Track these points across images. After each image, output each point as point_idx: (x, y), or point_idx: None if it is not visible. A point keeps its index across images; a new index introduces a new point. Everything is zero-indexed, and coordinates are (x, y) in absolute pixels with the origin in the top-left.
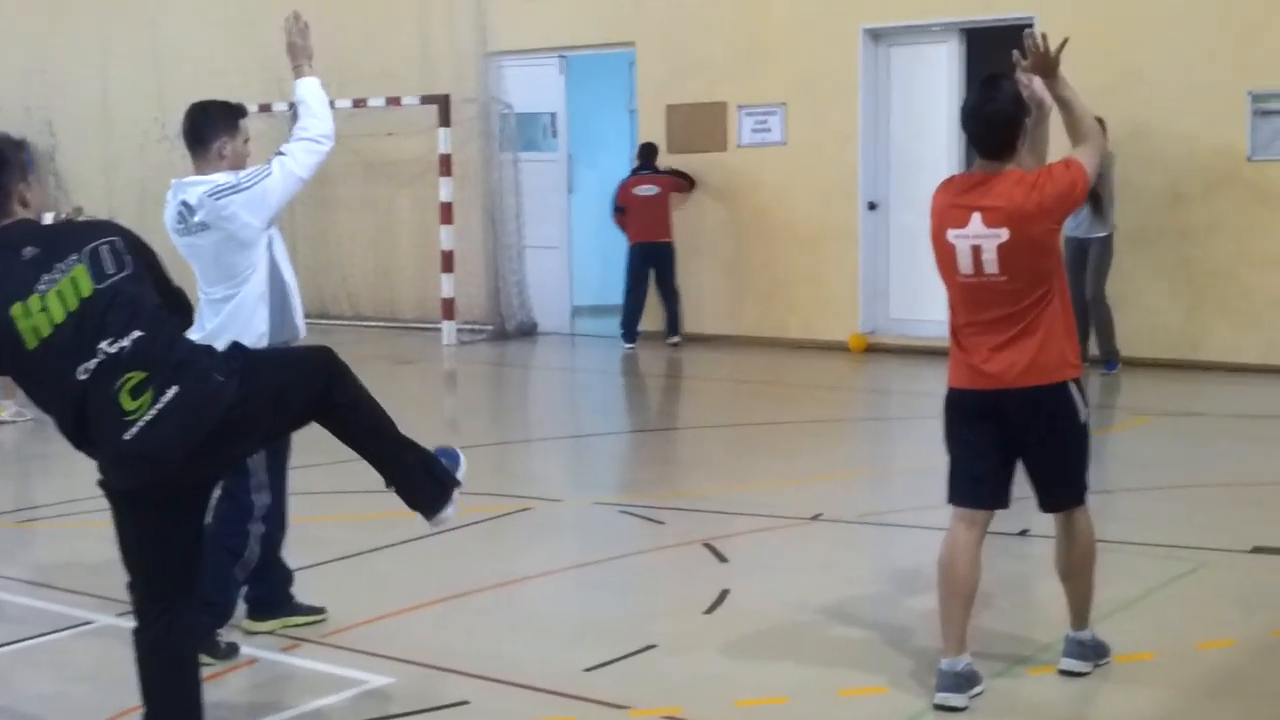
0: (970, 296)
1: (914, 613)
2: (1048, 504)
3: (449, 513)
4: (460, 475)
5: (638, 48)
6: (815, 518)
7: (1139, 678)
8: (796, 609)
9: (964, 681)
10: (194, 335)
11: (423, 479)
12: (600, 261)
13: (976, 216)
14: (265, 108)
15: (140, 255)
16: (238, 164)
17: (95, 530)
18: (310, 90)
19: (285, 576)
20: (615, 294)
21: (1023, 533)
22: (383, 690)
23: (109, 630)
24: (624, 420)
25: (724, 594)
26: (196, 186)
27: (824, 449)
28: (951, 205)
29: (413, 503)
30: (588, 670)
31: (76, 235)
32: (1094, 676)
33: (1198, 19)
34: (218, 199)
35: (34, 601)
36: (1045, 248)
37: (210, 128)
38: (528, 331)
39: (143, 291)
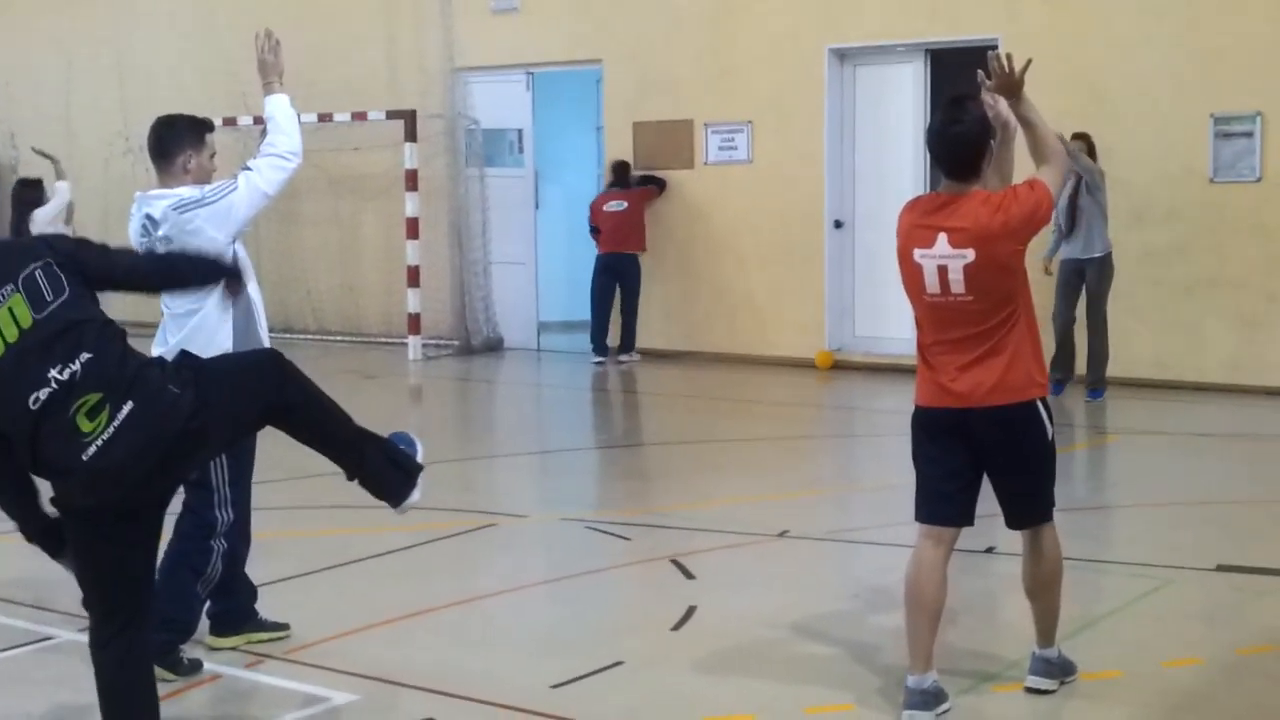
0: (937, 316)
1: (880, 630)
2: (1014, 521)
3: (415, 497)
4: (419, 458)
5: (605, 65)
6: (782, 534)
7: (1105, 696)
8: (763, 626)
9: (931, 699)
10: (157, 350)
11: (385, 468)
12: (566, 277)
13: (943, 237)
14: (230, 121)
15: (77, 266)
16: (203, 178)
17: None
18: (279, 107)
19: (249, 592)
20: (582, 309)
21: (989, 550)
22: (346, 707)
23: (70, 646)
24: (590, 436)
25: (691, 610)
26: (161, 200)
27: (791, 466)
28: (918, 225)
29: (379, 493)
30: (554, 687)
31: (7, 263)
32: (1060, 694)
33: (1162, 42)
34: (182, 212)
35: None
36: (1011, 268)
37: (175, 141)
38: (494, 347)
39: (85, 312)
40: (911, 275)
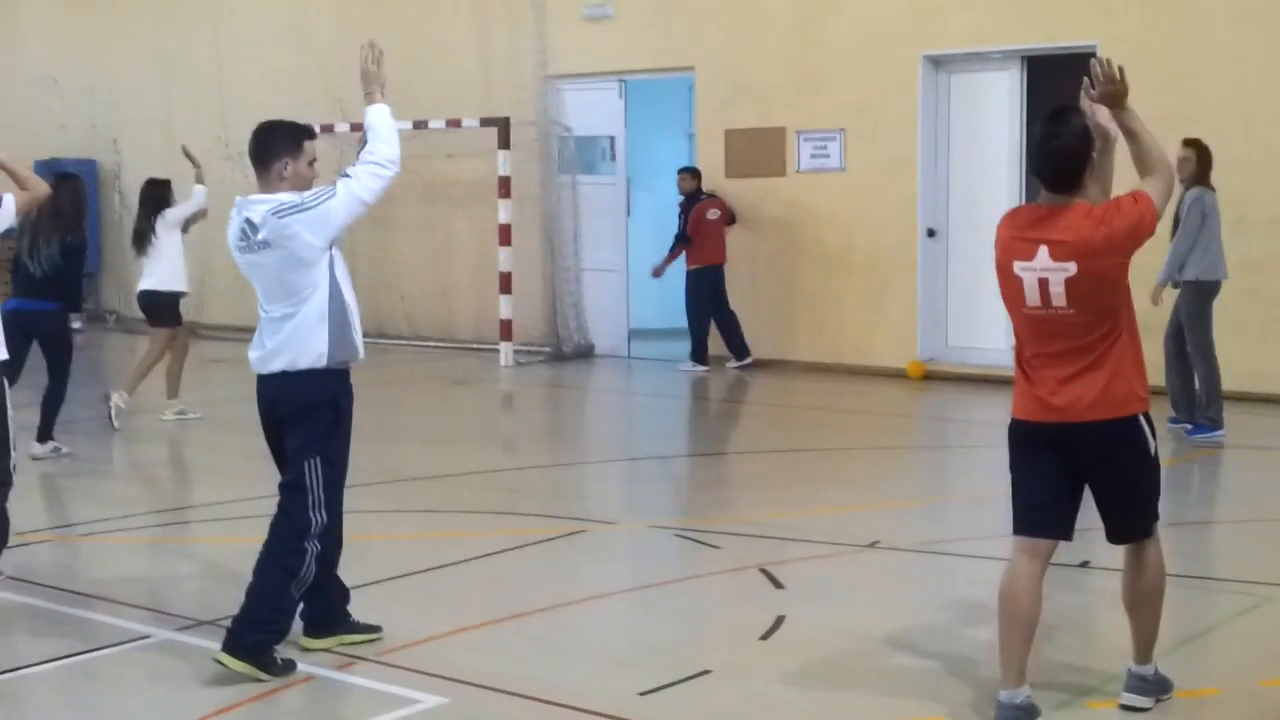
0: (1037, 328)
1: (972, 643)
2: (1116, 535)
3: None
4: None
5: (697, 72)
6: (872, 545)
7: (1201, 714)
8: (852, 637)
9: (1023, 714)
10: (253, 354)
11: None
12: (657, 285)
13: (1044, 250)
14: (327, 128)
15: None
16: (301, 185)
17: (152, 545)
18: (380, 116)
19: (342, 594)
20: (672, 317)
21: (1084, 564)
22: (436, 710)
23: (165, 645)
24: (680, 444)
25: (779, 620)
26: (260, 205)
27: (882, 476)
28: (1017, 238)
29: None
30: (641, 695)
31: None
32: (1156, 712)
33: (1260, 46)
34: (281, 217)
35: (92, 615)
36: (1113, 282)
37: (274, 147)
38: (584, 354)
39: None
40: (1011, 288)
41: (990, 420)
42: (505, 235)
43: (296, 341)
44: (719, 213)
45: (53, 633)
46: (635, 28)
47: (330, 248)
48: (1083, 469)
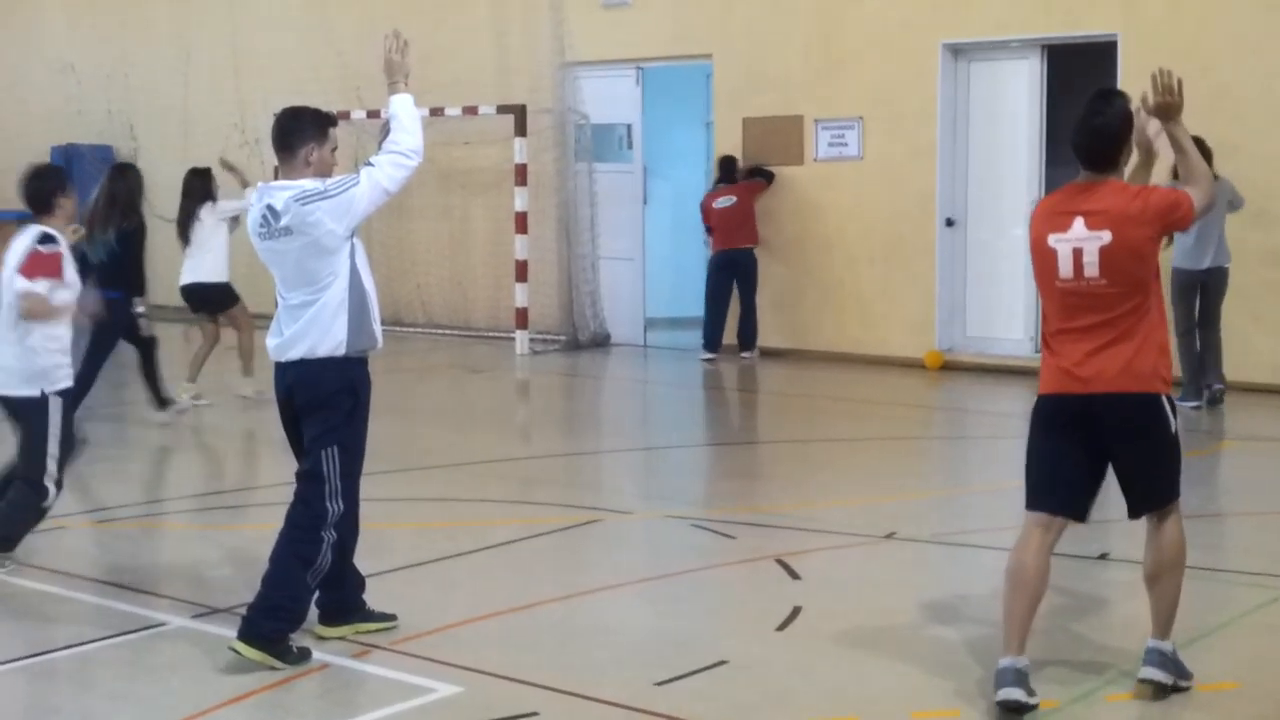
0: (1067, 302)
1: (988, 634)
2: (1135, 508)
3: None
4: None
5: (715, 60)
6: (889, 536)
7: (1222, 707)
8: (869, 627)
9: (1021, 678)
10: (271, 341)
11: None
12: (674, 273)
13: (1079, 220)
14: (344, 115)
15: None
16: (324, 171)
17: (170, 532)
18: (404, 106)
19: (358, 582)
20: (689, 306)
21: (1102, 556)
22: (451, 698)
23: (183, 632)
24: (696, 433)
25: (796, 611)
26: (283, 191)
27: (899, 467)
28: (1054, 212)
29: None
30: (657, 684)
31: None
32: (1176, 705)
33: None
34: (304, 204)
35: (109, 602)
36: (1144, 255)
37: (299, 134)
38: (601, 342)
39: None
40: (1045, 261)
41: (1008, 411)
42: (521, 223)
43: (315, 329)
44: (734, 199)
45: (70, 620)
46: (653, 15)
47: (351, 236)
48: (1105, 443)
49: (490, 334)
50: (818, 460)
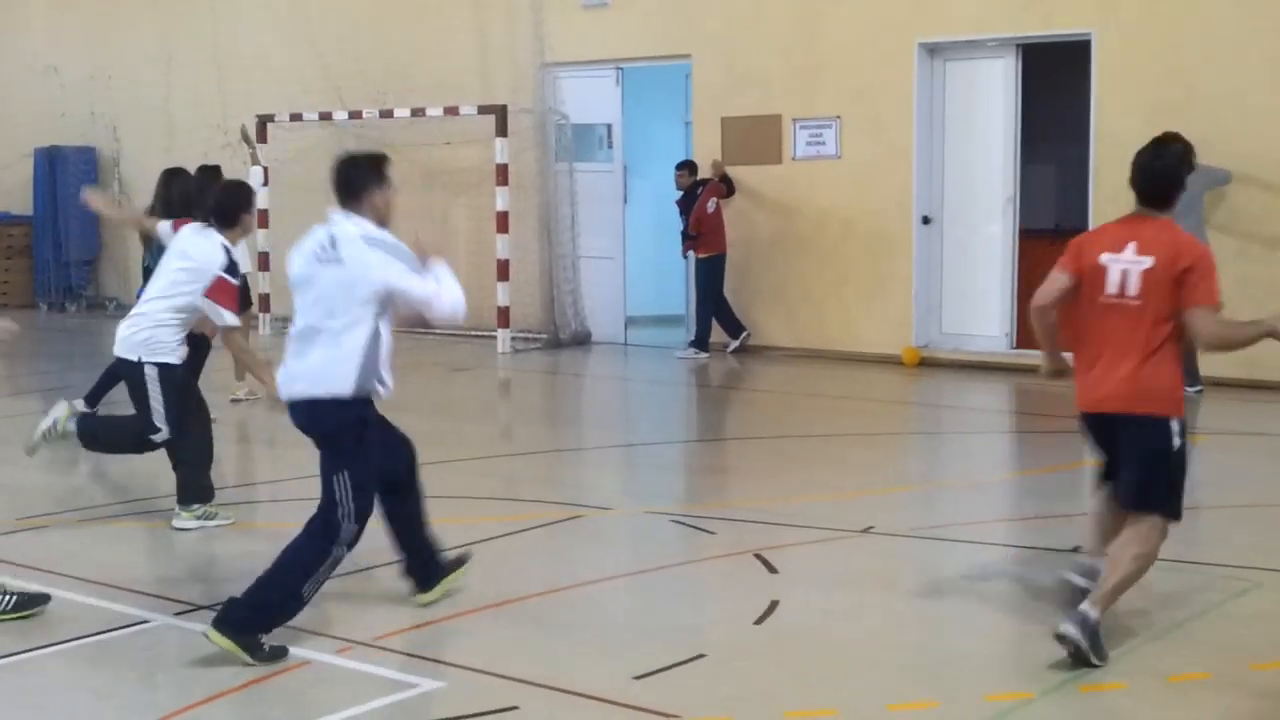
0: (1104, 319)
1: (964, 627)
2: (1123, 501)
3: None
4: None
5: (694, 60)
6: (867, 530)
7: (1193, 698)
8: (847, 621)
9: (1095, 573)
10: (279, 374)
11: None
12: (654, 272)
13: (1132, 245)
14: (325, 116)
15: None
16: (384, 214)
17: (154, 530)
18: (446, 270)
19: (434, 548)
20: (669, 304)
21: (1075, 550)
22: (433, 694)
23: (165, 629)
24: (676, 430)
25: (774, 605)
26: (355, 227)
27: (876, 462)
28: (1109, 235)
29: None
30: (637, 678)
31: None
32: (1148, 695)
33: (1259, 36)
34: (370, 247)
35: (91, 600)
36: (1178, 284)
37: (360, 180)
38: (582, 341)
39: None
40: (1095, 278)
41: (984, 407)
42: (503, 223)
43: (325, 369)
44: (716, 201)
45: (53, 617)
46: (632, 15)
47: (381, 304)
48: (1116, 448)
49: (472, 333)
50: (796, 456)
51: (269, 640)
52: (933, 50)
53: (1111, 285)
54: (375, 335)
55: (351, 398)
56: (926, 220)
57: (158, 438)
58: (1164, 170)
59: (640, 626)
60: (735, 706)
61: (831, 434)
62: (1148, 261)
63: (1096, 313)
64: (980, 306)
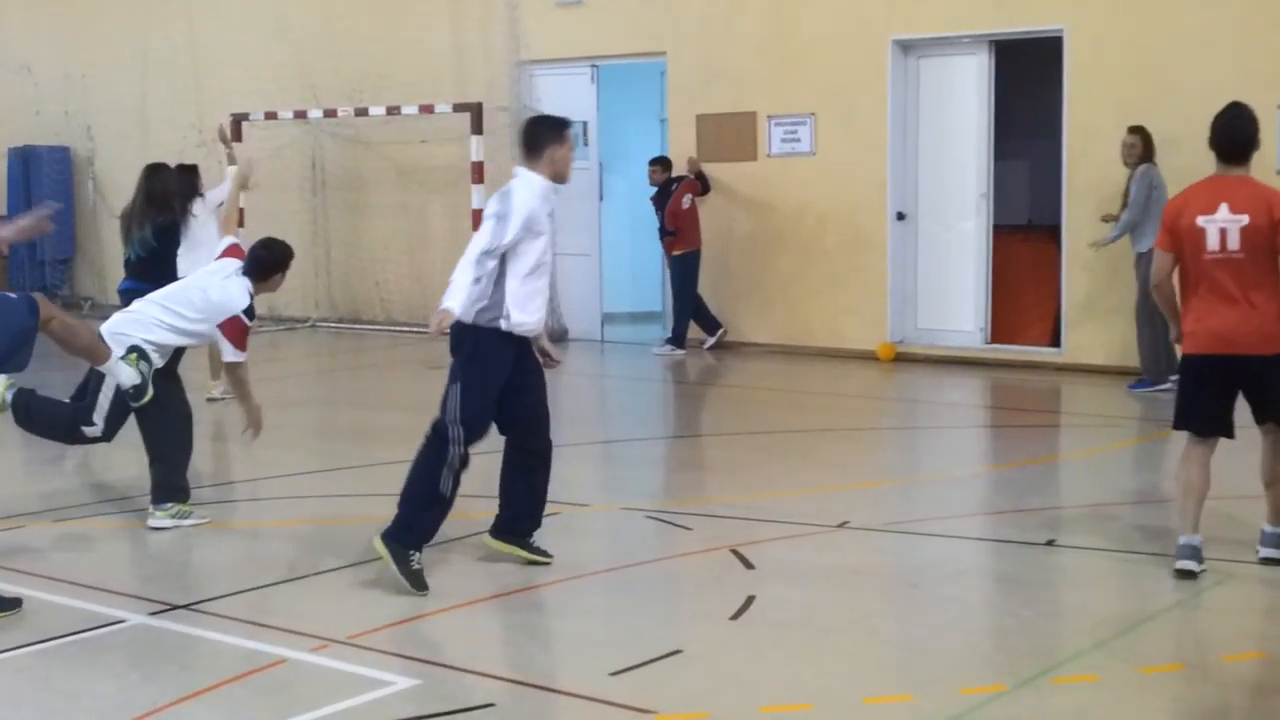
0: (1210, 272)
1: (939, 621)
2: (1262, 416)
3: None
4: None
5: (669, 57)
6: (842, 525)
7: (1165, 689)
8: (822, 616)
9: (1195, 553)
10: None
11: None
12: (630, 269)
13: (1224, 205)
14: (300, 114)
15: None
16: (562, 169)
17: (128, 531)
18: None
19: (530, 516)
20: (645, 301)
21: (1049, 543)
22: (410, 692)
23: (140, 629)
24: (652, 426)
25: (750, 600)
26: (519, 181)
27: (852, 457)
28: (1199, 197)
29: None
30: (613, 674)
31: None
32: (1121, 686)
33: (1228, 32)
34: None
35: (67, 600)
36: (1275, 232)
37: (542, 136)
38: (558, 338)
39: None
40: (1194, 239)
41: (959, 401)
42: (479, 221)
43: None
44: (691, 197)
45: (28, 617)
46: (607, 12)
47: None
48: (1243, 383)
49: (450, 330)
50: (772, 451)
51: (418, 558)
52: (906, 47)
53: (1212, 243)
54: (498, 276)
55: (470, 324)
56: (901, 216)
57: (90, 431)
58: (1243, 128)
59: (616, 622)
60: (711, 702)
61: (807, 429)
62: (1244, 219)
63: (1202, 269)
64: (955, 302)
